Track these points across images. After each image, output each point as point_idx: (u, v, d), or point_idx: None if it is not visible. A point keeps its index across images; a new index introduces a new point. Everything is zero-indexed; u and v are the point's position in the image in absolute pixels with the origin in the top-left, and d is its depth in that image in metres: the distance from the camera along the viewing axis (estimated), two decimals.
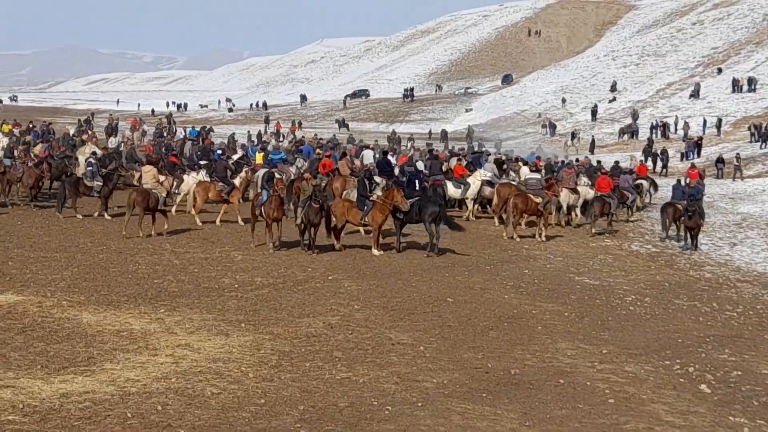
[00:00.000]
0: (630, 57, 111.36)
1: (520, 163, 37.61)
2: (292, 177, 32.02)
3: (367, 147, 45.54)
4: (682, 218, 28.42)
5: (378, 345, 15.33)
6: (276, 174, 30.42)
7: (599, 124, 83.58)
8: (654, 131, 72.01)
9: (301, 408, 12.03)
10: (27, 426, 10.84)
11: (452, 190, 32.66)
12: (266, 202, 24.08)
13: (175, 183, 30.62)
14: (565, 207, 31.71)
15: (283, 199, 24.65)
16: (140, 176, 28.49)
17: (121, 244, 23.71)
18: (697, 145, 62.51)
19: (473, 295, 19.79)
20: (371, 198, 24.62)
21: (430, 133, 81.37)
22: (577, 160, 46.04)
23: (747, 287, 23.38)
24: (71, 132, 48.84)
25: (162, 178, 28.63)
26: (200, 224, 27.75)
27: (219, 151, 38.68)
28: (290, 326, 16.15)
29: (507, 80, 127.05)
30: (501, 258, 25.03)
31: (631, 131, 75.80)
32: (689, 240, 28.32)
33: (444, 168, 34.06)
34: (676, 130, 72.29)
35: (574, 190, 31.97)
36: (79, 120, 71.00)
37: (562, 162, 42.79)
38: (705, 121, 70.84)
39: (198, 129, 63.15)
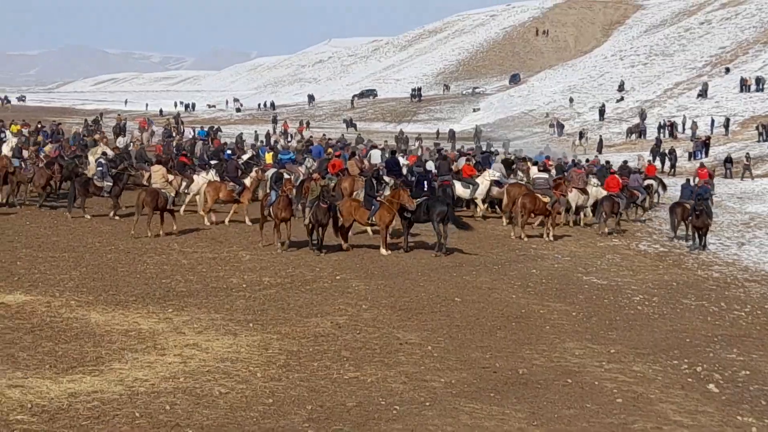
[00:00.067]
0: (638, 56, 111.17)
1: (529, 163, 37.54)
2: (302, 177, 32.04)
3: (376, 147, 45.53)
4: (690, 218, 28.38)
5: (386, 345, 15.34)
6: (285, 174, 30.44)
7: (607, 124, 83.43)
8: (662, 131, 71.84)
9: (309, 407, 12.05)
10: (35, 425, 10.87)
11: (461, 190, 32.62)
12: (274, 203, 24.12)
13: (184, 183, 30.67)
14: (573, 207, 31.64)
15: (291, 200, 24.68)
16: (149, 176, 28.55)
17: (130, 244, 23.76)
18: (705, 145, 62.42)
19: (481, 295, 19.79)
20: (378, 198, 24.64)
21: (437, 132, 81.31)
22: (587, 160, 45.97)
23: (755, 287, 23.32)
24: (80, 131, 48.90)
25: (171, 177, 28.70)
26: (211, 221, 27.81)
27: (229, 151, 38.74)
28: (298, 326, 16.17)
29: (515, 80, 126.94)
30: (509, 258, 25.01)
31: (639, 131, 75.64)
32: (697, 240, 28.27)
33: (453, 168, 34.02)
34: (683, 129, 72.17)
35: (584, 191, 31.88)
36: (86, 120, 71.03)
37: (572, 161, 42.74)
38: (713, 121, 70.64)
39: (206, 129, 63.27)
